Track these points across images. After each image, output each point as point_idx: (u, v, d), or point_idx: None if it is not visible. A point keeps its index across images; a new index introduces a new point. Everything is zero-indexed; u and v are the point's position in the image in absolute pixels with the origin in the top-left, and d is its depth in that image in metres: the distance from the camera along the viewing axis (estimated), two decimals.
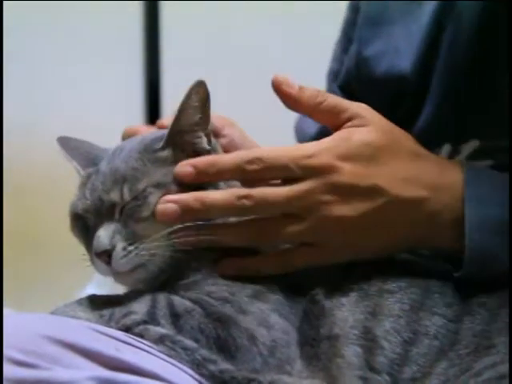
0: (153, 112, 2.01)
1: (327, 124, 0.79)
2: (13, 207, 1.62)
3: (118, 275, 0.78)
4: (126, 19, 1.95)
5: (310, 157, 0.75)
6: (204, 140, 0.81)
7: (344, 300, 0.75)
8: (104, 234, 0.76)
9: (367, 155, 0.76)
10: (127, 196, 0.77)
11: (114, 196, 0.78)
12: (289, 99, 0.79)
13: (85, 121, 1.79)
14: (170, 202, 0.76)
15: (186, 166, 0.77)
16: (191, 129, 0.80)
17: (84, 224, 0.80)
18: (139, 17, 1.97)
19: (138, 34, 1.97)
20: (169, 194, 0.77)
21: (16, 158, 1.81)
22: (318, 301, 0.75)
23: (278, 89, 0.78)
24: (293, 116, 1.08)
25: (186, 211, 0.75)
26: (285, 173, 0.76)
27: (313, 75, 1.16)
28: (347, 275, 0.77)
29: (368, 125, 0.78)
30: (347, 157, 0.76)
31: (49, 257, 1.88)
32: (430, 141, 0.84)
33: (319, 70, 1.15)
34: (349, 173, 0.75)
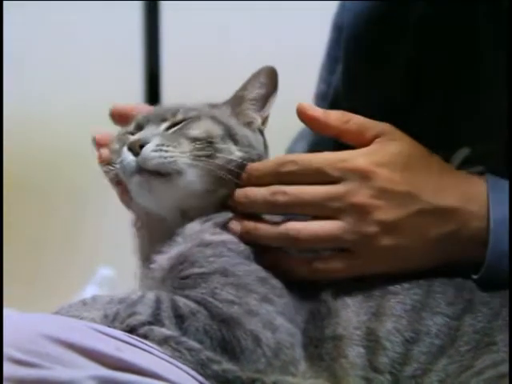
0: None
1: (355, 143, 0.80)
2: (13, 207, 1.62)
3: (142, 175, 0.78)
4: (126, 19, 1.95)
5: (345, 160, 0.77)
6: (259, 121, 0.86)
7: (349, 301, 0.76)
8: (145, 132, 0.81)
9: (401, 164, 0.78)
10: (180, 117, 0.83)
11: (167, 114, 0.84)
12: (316, 123, 0.80)
13: (84, 120, 1.79)
14: None
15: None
16: (250, 101, 0.85)
17: None
18: (139, 17, 1.98)
19: (138, 34, 1.98)
20: None
21: (16, 157, 1.81)
22: (325, 300, 0.76)
23: (303, 115, 0.81)
24: (292, 115, 1.07)
25: (235, 203, 0.80)
26: (320, 176, 0.77)
27: (312, 75, 1.17)
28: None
29: (396, 140, 0.80)
30: (382, 163, 0.77)
31: (49, 257, 1.88)
32: None
33: (318, 70, 1.15)
34: (385, 178, 0.77)
